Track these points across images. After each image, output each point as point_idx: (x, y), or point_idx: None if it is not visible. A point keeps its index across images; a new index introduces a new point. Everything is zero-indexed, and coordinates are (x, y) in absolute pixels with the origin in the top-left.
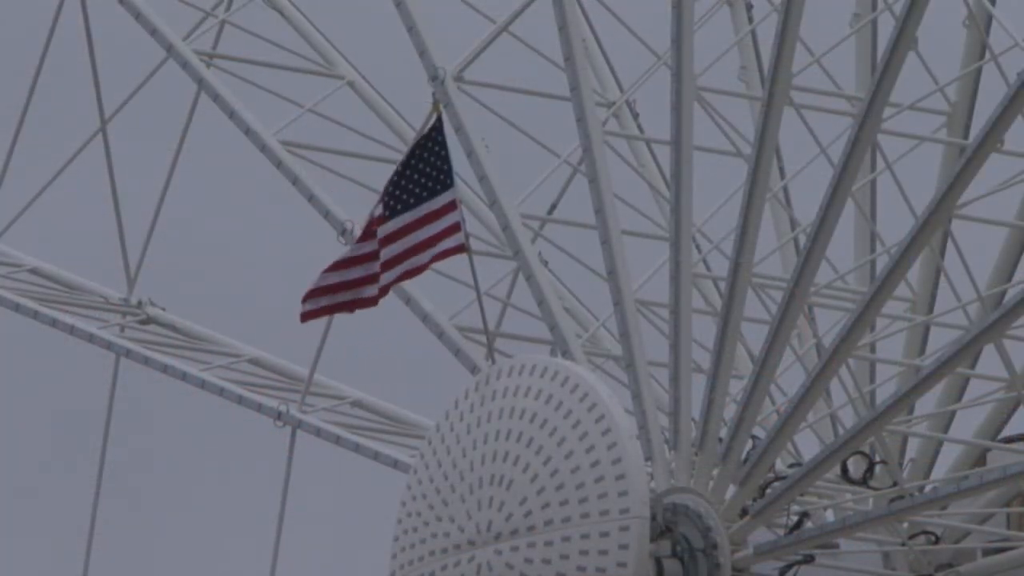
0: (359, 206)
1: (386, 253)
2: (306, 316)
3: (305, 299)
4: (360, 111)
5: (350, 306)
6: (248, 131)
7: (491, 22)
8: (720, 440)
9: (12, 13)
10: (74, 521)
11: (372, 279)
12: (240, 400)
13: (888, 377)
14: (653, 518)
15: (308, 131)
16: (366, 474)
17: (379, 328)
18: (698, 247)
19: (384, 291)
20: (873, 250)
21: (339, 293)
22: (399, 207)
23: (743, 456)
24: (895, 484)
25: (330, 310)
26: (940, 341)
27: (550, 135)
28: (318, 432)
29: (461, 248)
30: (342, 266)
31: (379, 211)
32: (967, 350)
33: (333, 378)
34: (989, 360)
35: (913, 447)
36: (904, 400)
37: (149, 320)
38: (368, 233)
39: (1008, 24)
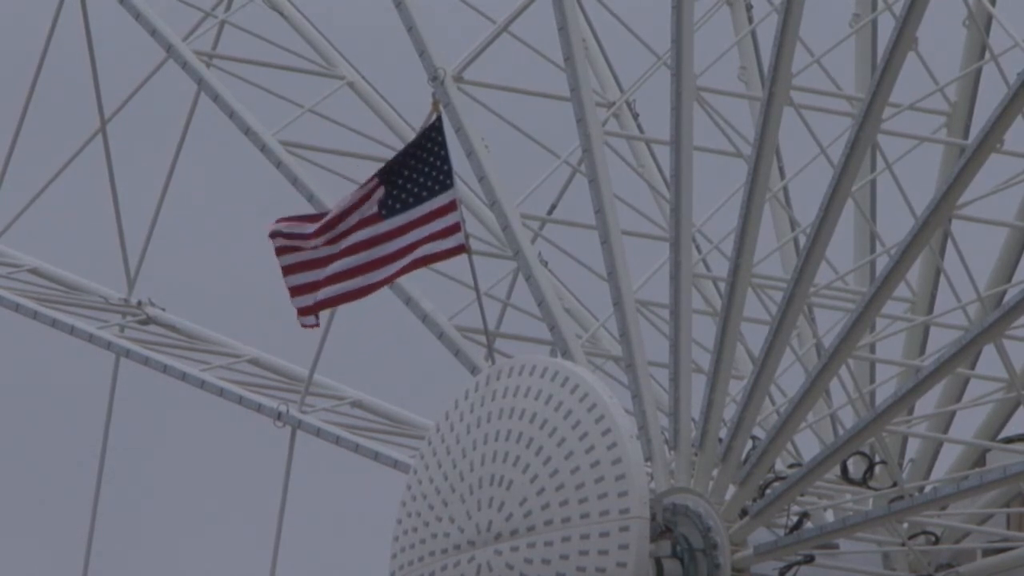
0: None
1: (379, 251)
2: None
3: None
4: (360, 111)
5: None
6: (248, 131)
7: (491, 22)
8: (720, 440)
9: (12, 13)
10: (74, 521)
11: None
12: (240, 400)
13: (888, 377)
14: (653, 518)
15: (308, 131)
16: (366, 474)
17: (379, 328)
18: (698, 247)
19: (373, 288)
20: (873, 250)
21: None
22: (397, 206)
23: (743, 456)
24: (895, 484)
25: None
26: (940, 341)
27: (550, 135)
28: (318, 432)
29: (461, 248)
30: (310, 266)
31: (373, 210)
32: (967, 350)
33: (333, 378)
34: (989, 360)
35: (913, 447)
36: (904, 400)
37: (149, 320)
38: (327, 228)
39: (1008, 24)
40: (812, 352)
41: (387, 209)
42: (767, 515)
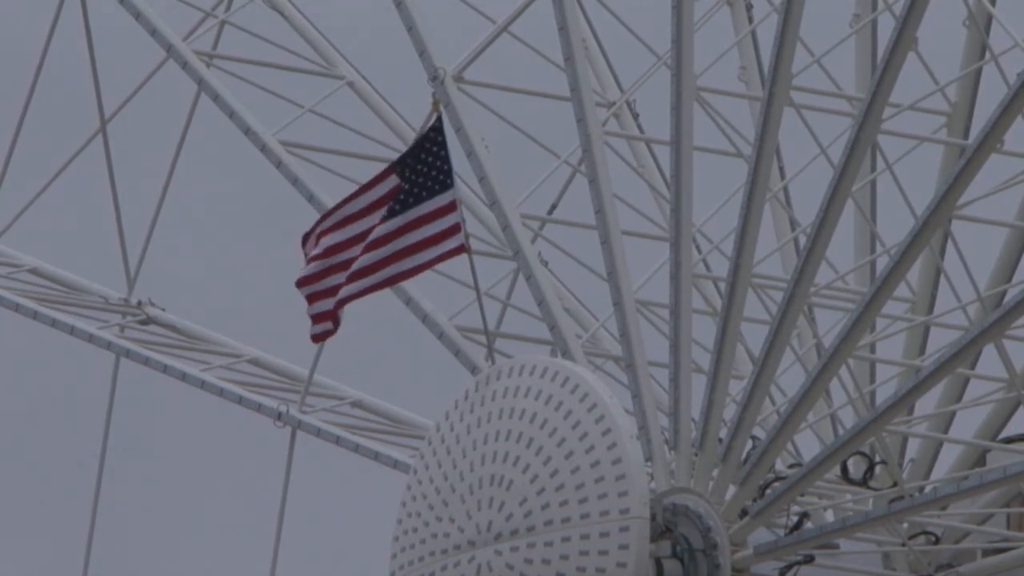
0: None
1: (377, 255)
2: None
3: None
4: (360, 111)
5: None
6: (248, 131)
7: (491, 22)
8: (720, 440)
9: (12, 13)
10: (74, 521)
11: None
12: (240, 400)
13: (888, 377)
14: (653, 518)
15: (308, 131)
16: (366, 474)
17: (379, 328)
18: (698, 247)
19: (376, 288)
20: (873, 250)
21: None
22: (397, 207)
23: (743, 456)
24: (895, 484)
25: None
26: (940, 341)
27: (550, 135)
28: (318, 432)
29: (461, 249)
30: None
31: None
32: (967, 350)
33: (333, 378)
34: (989, 360)
35: (913, 447)
36: (904, 400)
37: (149, 320)
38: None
39: (1008, 24)
40: (812, 352)
41: (389, 211)
42: (767, 515)
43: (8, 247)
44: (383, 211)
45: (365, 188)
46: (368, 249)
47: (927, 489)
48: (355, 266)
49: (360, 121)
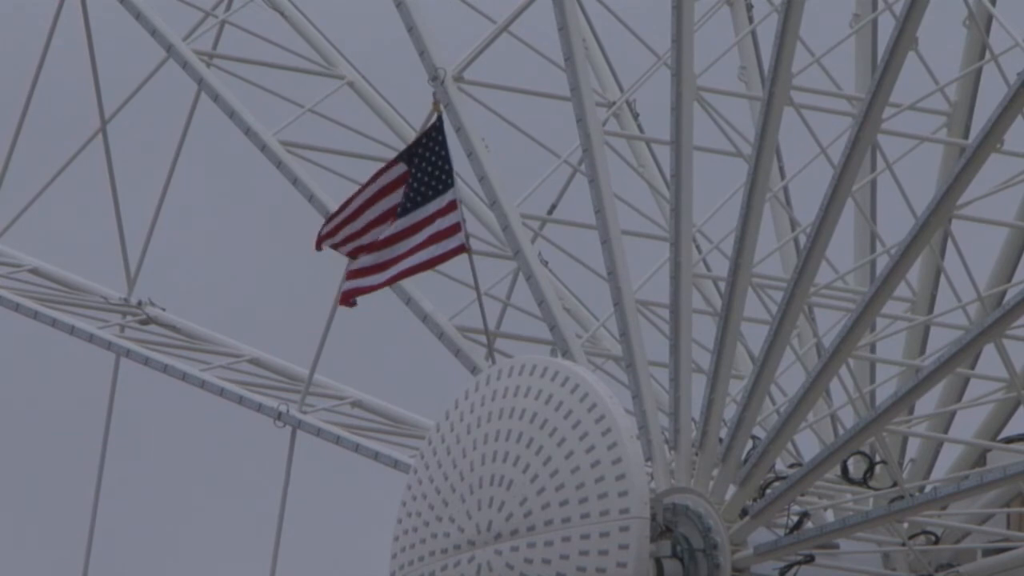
0: None
1: (387, 254)
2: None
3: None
4: (360, 111)
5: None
6: (248, 131)
7: (491, 22)
8: (720, 440)
9: (12, 13)
10: (74, 521)
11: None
12: (240, 400)
13: (888, 377)
14: (653, 518)
15: (308, 131)
16: (366, 474)
17: (379, 328)
18: (698, 247)
19: (376, 288)
20: (873, 250)
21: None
22: (408, 206)
23: (743, 456)
24: (895, 484)
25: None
26: (940, 341)
27: (550, 135)
28: (318, 432)
29: (461, 248)
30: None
31: (396, 201)
32: (967, 350)
33: (333, 378)
34: (989, 360)
35: (913, 447)
36: (904, 400)
37: (149, 320)
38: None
39: (1008, 24)
40: (812, 352)
41: (401, 208)
42: (767, 515)
43: (8, 247)
44: (393, 196)
45: (374, 178)
46: (373, 250)
47: (927, 489)
48: (358, 265)
49: (360, 121)
